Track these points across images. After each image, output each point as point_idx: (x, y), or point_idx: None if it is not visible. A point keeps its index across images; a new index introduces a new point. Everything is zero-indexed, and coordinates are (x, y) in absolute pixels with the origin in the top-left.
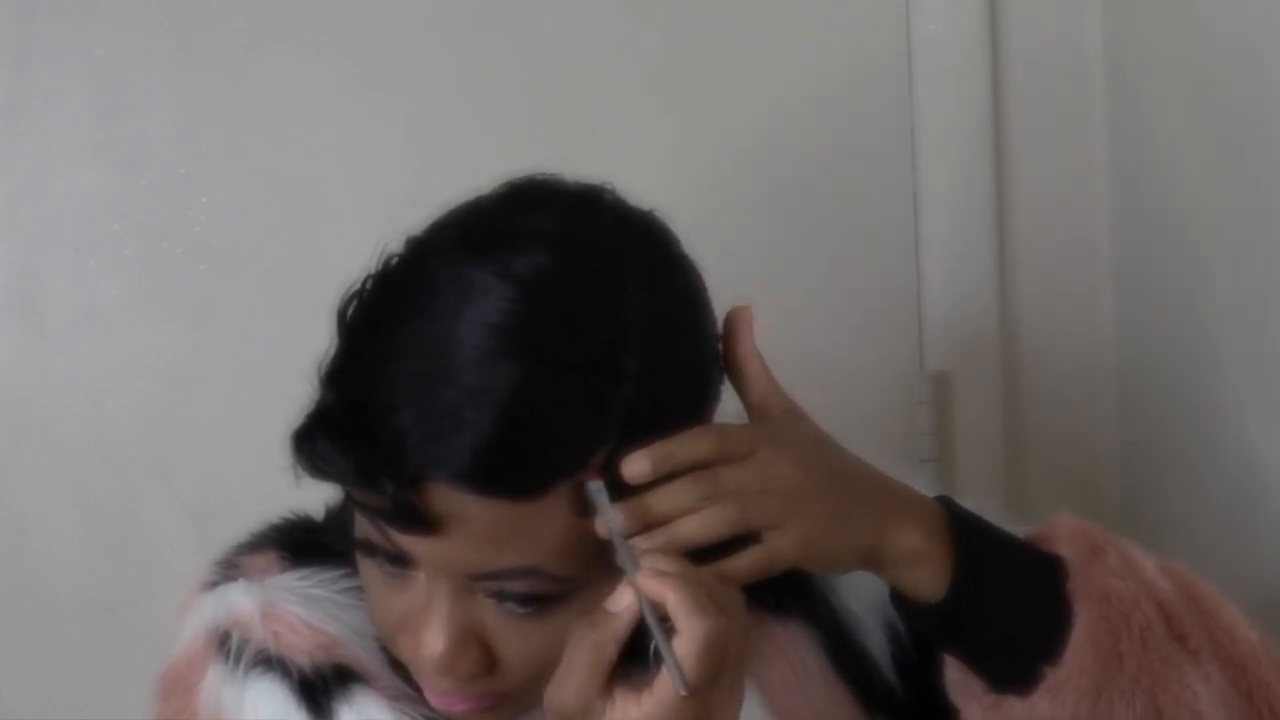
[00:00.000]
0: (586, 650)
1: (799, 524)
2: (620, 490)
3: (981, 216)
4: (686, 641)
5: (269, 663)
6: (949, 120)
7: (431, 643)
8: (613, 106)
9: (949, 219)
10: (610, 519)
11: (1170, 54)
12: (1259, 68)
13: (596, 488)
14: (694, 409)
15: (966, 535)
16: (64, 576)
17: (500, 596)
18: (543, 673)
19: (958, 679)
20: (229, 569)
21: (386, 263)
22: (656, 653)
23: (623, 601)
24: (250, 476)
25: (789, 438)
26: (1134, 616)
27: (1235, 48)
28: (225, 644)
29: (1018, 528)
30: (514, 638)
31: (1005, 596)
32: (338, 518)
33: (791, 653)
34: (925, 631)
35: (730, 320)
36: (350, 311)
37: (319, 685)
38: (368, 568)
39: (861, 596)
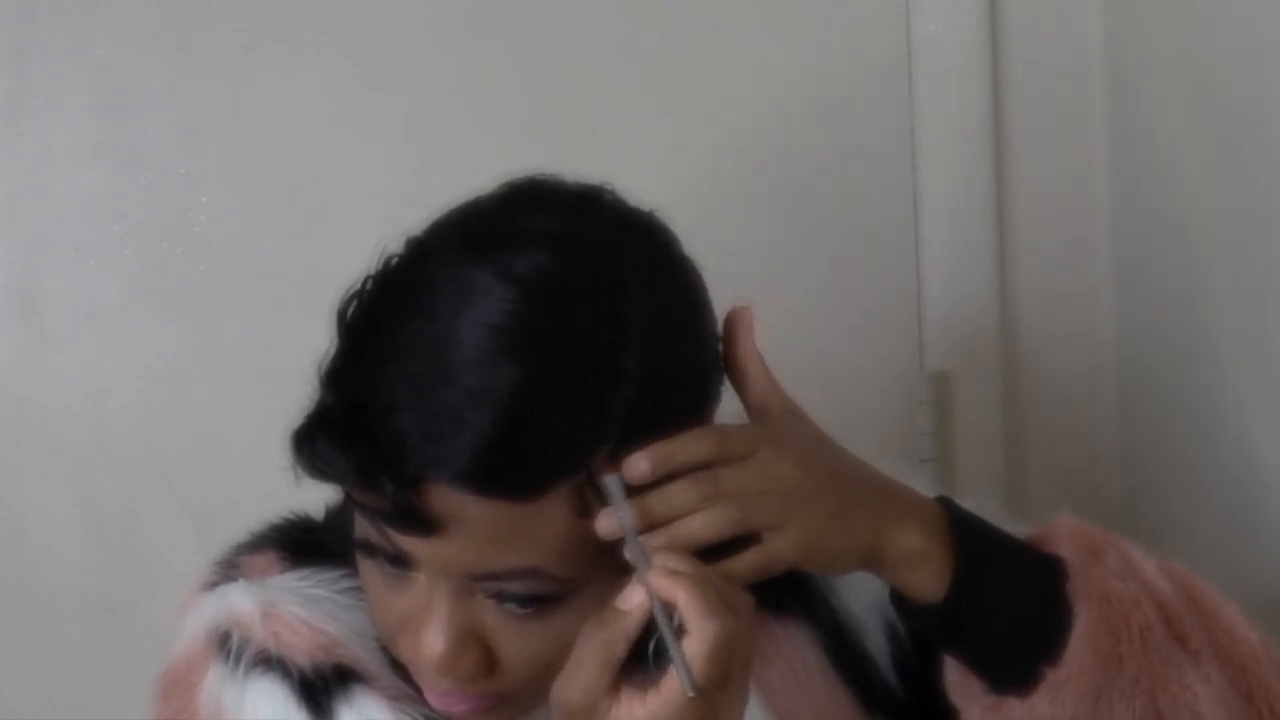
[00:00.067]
0: (596, 647)
1: (799, 525)
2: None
3: (981, 216)
4: (696, 642)
5: (269, 663)
6: (949, 120)
7: (431, 643)
8: (613, 106)
9: (949, 219)
10: (623, 514)
11: (1170, 54)
12: (1259, 68)
13: (612, 480)
14: (694, 409)
15: (966, 536)
16: (64, 576)
17: (500, 597)
18: (543, 673)
19: (957, 680)
20: (229, 569)
21: (387, 263)
22: (658, 653)
23: (633, 600)
24: (250, 476)
25: (789, 438)
26: (1134, 617)
27: (1235, 48)
28: (225, 644)
29: (1018, 528)
30: (514, 638)
31: (1005, 597)
32: (338, 518)
33: (791, 653)
34: (925, 632)
35: (730, 320)
36: (350, 312)
37: (319, 685)
38: (368, 568)
39: (861, 597)
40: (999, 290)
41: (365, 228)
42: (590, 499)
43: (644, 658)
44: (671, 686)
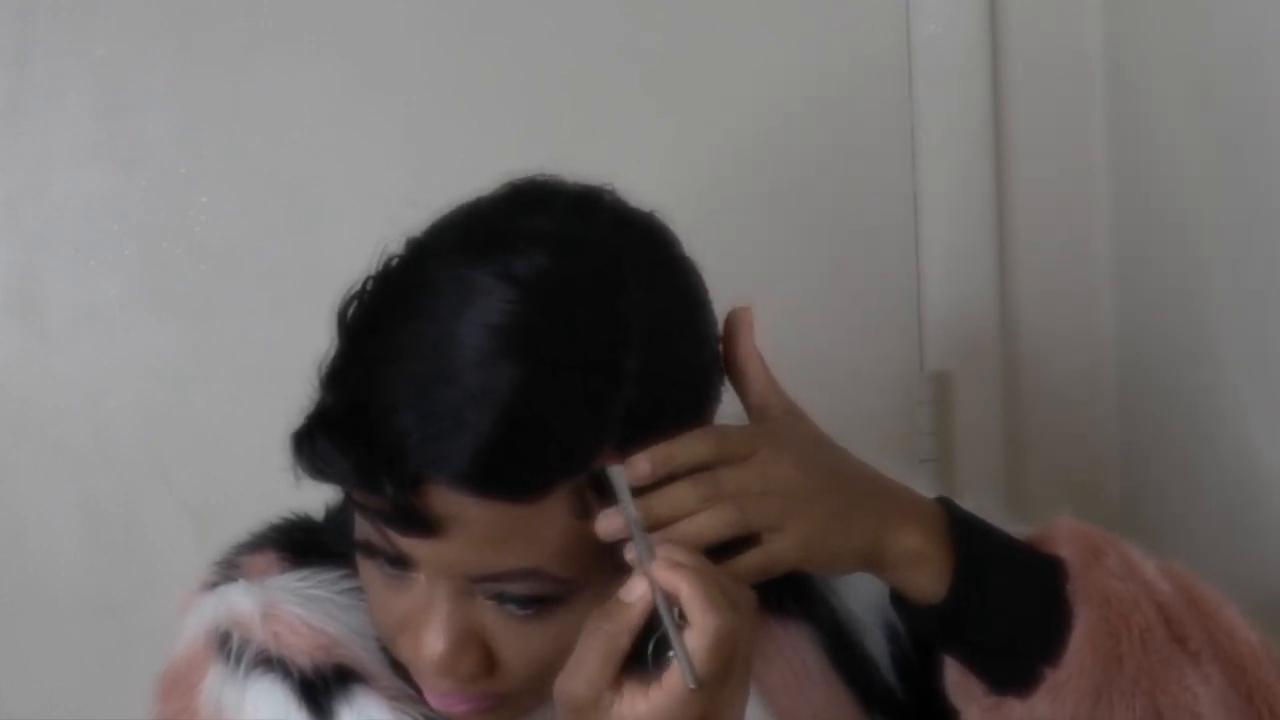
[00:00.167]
0: (600, 640)
1: (799, 525)
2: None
3: (981, 216)
4: (698, 635)
5: (269, 663)
6: (949, 120)
7: (432, 644)
8: (613, 106)
9: (949, 219)
10: (628, 505)
11: (1170, 54)
12: (1259, 68)
13: (616, 471)
14: (694, 409)
15: (966, 537)
16: (64, 576)
17: (500, 598)
18: (542, 674)
19: (958, 680)
20: (229, 569)
21: (387, 264)
22: (659, 651)
23: (636, 592)
24: (250, 476)
25: (789, 439)
26: (1134, 618)
27: (1235, 48)
28: (226, 644)
29: (1018, 528)
30: (514, 639)
31: (1005, 598)
32: (338, 518)
33: (792, 654)
34: (925, 633)
35: (731, 321)
36: (350, 312)
37: (319, 686)
38: (368, 569)
39: (861, 598)
40: (999, 290)
41: (365, 228)
42: (590, 500)
43: (646, 657)
44: (674, 680)
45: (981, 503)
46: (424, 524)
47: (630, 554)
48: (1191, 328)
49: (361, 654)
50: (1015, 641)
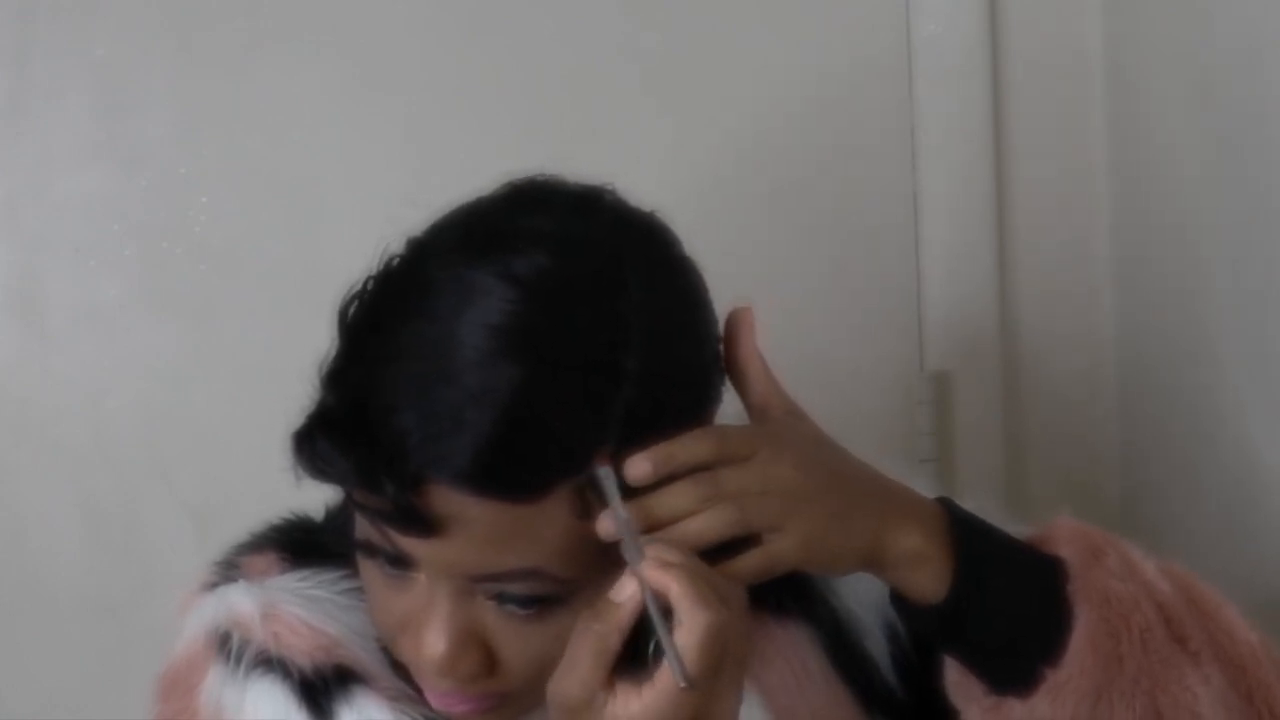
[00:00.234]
0: (591, 640)
1: (799, 526)
2: (621, 492)
3: (981, 216)
4: (688, 633)
5: (269, 663)
6: (949, 120)
7: (432, 644)
8: (613, 106)
9: (949, 219)
10: (616, 506)
11: (1170, 54)
12: (1259, 68)
13: (605, 473)
14: (694, 409)
15: (967, 537)
16: (64, 576)
17: (501, 598)
18: (543, 674)
19: (958, 680)
20: (229, 569)
21: (387, 263)
22: (656, 650)
23: (625, 592)
24: (250, 476)
25: (789, 439)
26: (1134, 618)
27: (1235, 48)
28: (226, 645)
29: (1018, 528)
30: (514, 639)
31: (1005, 598)
32: (338, 518)
33: (792, 654)
34: (925, 633)
35: (732, 321)
36: (351, 312)
37: (319, 686)
38: (368, 569)
39: (861, 598)
40: (999, 290)
41: (365, 228)
42: (591, 500)
43: (640, 658)
44: (665, 679)
45: (981, 503)
46: (424, 524)
47: (622, 549)
48: (1191, 328)
49: (361, 654)
50: (1015, 641)
